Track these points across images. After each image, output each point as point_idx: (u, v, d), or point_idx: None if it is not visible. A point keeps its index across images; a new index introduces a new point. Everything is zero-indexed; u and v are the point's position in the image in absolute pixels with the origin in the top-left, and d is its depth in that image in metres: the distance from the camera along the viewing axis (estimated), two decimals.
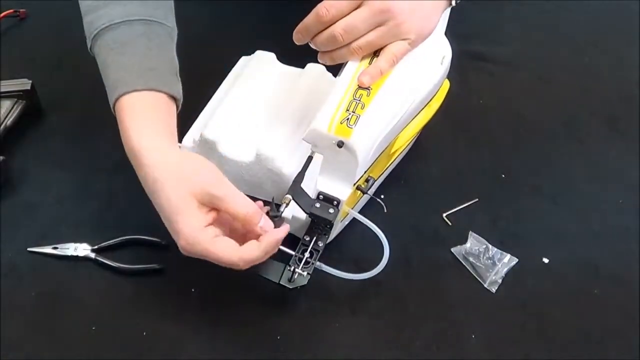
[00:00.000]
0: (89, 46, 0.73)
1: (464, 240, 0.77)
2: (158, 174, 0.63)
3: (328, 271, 0.68)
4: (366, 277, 0.68)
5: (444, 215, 0.79)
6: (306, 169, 0.68)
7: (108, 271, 0.73)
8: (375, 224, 0.68)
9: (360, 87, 0.67)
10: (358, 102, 0.66)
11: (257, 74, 0.83)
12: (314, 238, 0.69)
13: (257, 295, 0.71)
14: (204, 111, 0.81)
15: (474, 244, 0.76)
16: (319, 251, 0.68)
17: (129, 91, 0.66)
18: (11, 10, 1.03)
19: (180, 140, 0.79)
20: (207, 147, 0.77)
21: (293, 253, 0.68)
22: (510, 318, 0.71)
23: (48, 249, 0.74)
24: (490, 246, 0.76)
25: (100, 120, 0.89)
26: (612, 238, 0.78)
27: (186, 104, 0.82)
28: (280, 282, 0.67)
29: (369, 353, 0.68)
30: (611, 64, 1.01)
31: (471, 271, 0.74)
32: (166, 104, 0.68)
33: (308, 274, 0.67)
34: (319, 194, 0.67)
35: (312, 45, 0.69)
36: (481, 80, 0.98)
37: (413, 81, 0.70)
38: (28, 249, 0.74)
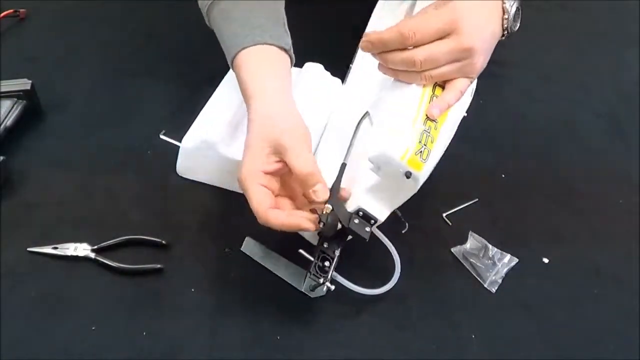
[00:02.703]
0: (207, 22, 0.80)
1: (464, 240, 0.77)
2: (253, 117, 0.69)
3: (342, 282, 0.68)
4: (377, 293, 0.69)
5: (444, 215, 0.79)
6: (341, 178, 0.68)
7: (108, 271, 0.73)
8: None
9: (428, 119, 0.67)
10: (428, 134, 0.66)
11: None
12: (334, 247, 0.68)
13: (257, 295, 0.71)
14: (203, 111, 0.81)
15: (474, 244, 0.76)
16: (334, 259, 0.68)
17: (238, 51, 0.72)
18: (11, 10, 1.03)
19: (180, 140, 0.79)
20: (207, 148, 0.77)
21: (312, 259, 0.67)
22: (510, 318, 0.71)
23: (48, 249, 0.74)
24: (490, 246, 0.76)
25: (100, 120, 0.90)
26: (612, 238, 0.78)
27: (187, 103, 0.82)
28: (303, 290, 0.67)
29: (369, 353, 0.68)
30: (611, 64, 1.01)
31: (471, 271, 0.74)
32: (275, 55, 0.73)
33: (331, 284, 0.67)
34: (359, 210, 0.67)
35: (377, 58, 0.69)
36: (481, 81, 0.97)
37: (458, 112, 0.71)
38: (28, 249, 0.74)
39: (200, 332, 0.68)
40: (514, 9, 0.71)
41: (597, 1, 1.13)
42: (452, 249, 0.76)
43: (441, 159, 0.74)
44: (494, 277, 0.73)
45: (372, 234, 0.68)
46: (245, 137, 0.69)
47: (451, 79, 0.69)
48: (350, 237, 0.68)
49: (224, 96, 0.82)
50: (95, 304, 0.70)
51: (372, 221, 0.67)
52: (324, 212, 0.65)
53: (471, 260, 0.75)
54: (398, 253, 0.70)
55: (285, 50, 0.74)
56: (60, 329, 0.68)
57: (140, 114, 0.90)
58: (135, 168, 0.83)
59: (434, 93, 0.69)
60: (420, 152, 0.65)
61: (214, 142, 0.76)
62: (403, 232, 0.72)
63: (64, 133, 0.88)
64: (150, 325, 0.69)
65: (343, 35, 0.94)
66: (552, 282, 0.74)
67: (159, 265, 0.73)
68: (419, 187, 0.67)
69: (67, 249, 0.74)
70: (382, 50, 0.68)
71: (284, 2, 0.78)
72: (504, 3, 0.71)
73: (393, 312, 0.71)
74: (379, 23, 0.91)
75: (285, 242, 0.70)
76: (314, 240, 0.69)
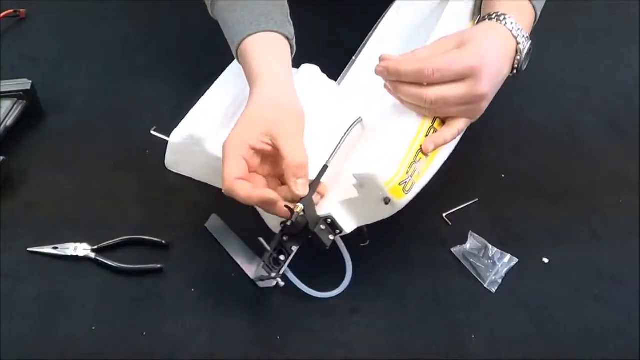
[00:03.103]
0: (210, 12, 0.80)
1: (464, 240, 0.77)
2: (256, 96, 0.69)
3: (293, 281, 0.69)
4: (326, 297, 0.69)
5: (444, 215, 0.79)
6: (319, 180, 0.68)
7: (108, 271, 0.73)
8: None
9: (421, 150, 0.67)
10: (417, 167, 0.67)
11: None
12: (292, 243, 0.67)
13: (257, 295, 0.71)
14: (195, 107, 0.81)
15: (474, 244, 0.76)
16: (290, 255, 0.68)
17: (244, 38, 0.73)
18: (11, 10, 1.03)
19: (168, 135, 0.80)
20: (194, 144, 0.78)
21: (269, 249, 0.66)
22: (510, 318, 0.71)
23: (48, 249, 0.74)
24: (490, 246, 0.76)
25: (100, 120, 0.90)
26: (612, 238, 0.78)
27: (186, 103, 0.82)
28: (252, 278, 0.67)
29: (369, 353, 0.68)
30: (611, 64, 1.01)
31: (471, 271, 0.74)
32: (280, 42, 0.74)
33: (282, 280, 0.67)
34: (328, 217, 0.67)
35: (387, 83, 0.68)
36: None
37: (449, 148, 0.72)
38: (28, 249, 0.74)
39: (200, 332, 0.68)
40: (526, 50, 0.71)
41: (597, 1, 1.13)
42: (452, 249, 0.76)
43: (458, 139, 0.74)
44: (494, 277, 0.73)
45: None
46: (242, 112, 0.69)
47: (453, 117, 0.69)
48: (310, 236, 0.68)
49: (217, 94, 0.82)
50: (95, 304, 0.70)
51: (338, 231, 0.67)
52: (296, 212, 0.65)
53: (471, 260, 0.75)
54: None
55: (288, 39, 0.75)
56: (60, 329, 0.68)
57: (140, 114, 0.90)
58: (135, 168, 0.83)
59: (432, 125, 0.69)
60: (405, 182, 0.65)
61: (200, 138, 0.77)
62: (362, 245, 0.72)
63: (64, 133, 0.88)
64: (150, 325, 0.69)
65: (340, 36, 0.94)
66: (552, 282, 0.74)
67: (159, 265, 0.73)
68: (393, 213, 0.67)
69: (67, 249, 0.74)
70: (396, 79, 0.67)
71: None
72: (518, 44, 0.71)
73: (393, 312, 0.71)
74: (390, 26, 0.90)
75: (254, 230, 0.70)
76: (276, 228, 0.69)
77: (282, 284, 0.66)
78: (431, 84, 0.66)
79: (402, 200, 0.66)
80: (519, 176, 0.85)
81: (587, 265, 0.76)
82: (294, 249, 0.67)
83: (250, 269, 0.68)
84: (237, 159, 0.65)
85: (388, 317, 0.71)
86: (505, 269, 0.74)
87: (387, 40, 0.87)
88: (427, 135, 0.68)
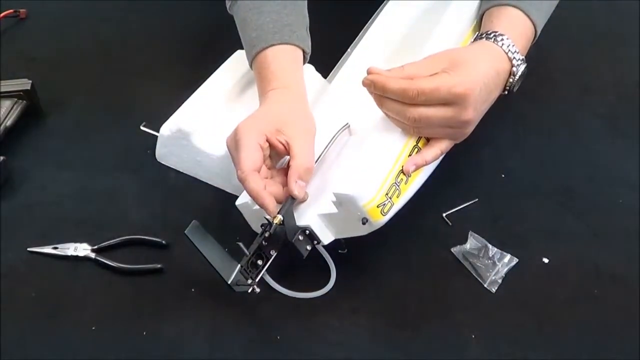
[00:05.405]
0: (227, 6, 0.80)
1: (464, 240, 0.77)
2: (274, 98, 0.71)
3: (270, 284, 0.69)
4: (307, 297, 0.69)
5: (444, 215, 0.79)
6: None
7: (108, 271, 0.73)
8: None
9: (402, 171, 0.67)
10: (397, 188, 0.67)
11: (246, 69, 0.82)
12: (271, 247, 0.67)
13: (257, 295, 0.71)
14: (186, 102, 0.81)
15: (473, 244, 0.76)
16: (269, 259, 0.67)
17: (266, 47, 0.73)
18: (11, 10, 1.03)
19: (157, 130, 0.81)
20: (182, 137, 0.78)
21: (247, 253, 0.67)
22: (510, 318, 0.71)
23: (48, 249, 0.74)
24: (490, 246, 0.76)
25: (100, 120, 0.90)
26: (612, 238, 0.78)
27: (184, 102, 0.82)
28: (229, 283, 0.66)
29: (369, 353, 0.68)
30: (611, 64, 1.01)
31: (471, 271, 0.74)
32: (298, 56, 0.76)
33: (257, 285, 0.67)
34: (307, 228, 0.67)
35: (374, 97, 0.67)
36: None
37: (430, 168, 0.72)
38: (28, 249, 0.74)
39: (200, 332, 0.68)
40: (520, 73, 0.71)
41: (597, 1, 1.13)
42: (452, 249, 0.76)
43: (441, 158, 0.74)
44: (494, 277, 0.73)
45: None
46: (256, 109, 0.70)
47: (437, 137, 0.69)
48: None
49: (209, 91, 0.83)
50: (95, 304, 0.70)
51: (315, 242, 0.67)
52: (275, 222, 0.65)
53: (471, 260, 0.75)
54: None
55: (305, 53, 0.76)
56: (60, 329, 0.68)
57: (140, 114, 0.89)
58: (135, 168, 0.83)
59: (417, 144, 0.69)
60: (384, 204, 0.65)
61: (188, 132, 0.78)
62: (340, 252, 0.72)
63: (64, 133, 0.88)
64: (150, 325, 0.69)
65: (336, 36, 0.93)
66: (552, 282, 0.74)
67: (159, 265, 0.73)
68: (370, 231, 0.67)
69: (67, 249, 0.74)
70: (381, 94, 0.66)
71: (306, 2, 0.79)
72: (512, 66, 0.70)
73: (393, 312, 0.71)
74: (384, 23, 0.90)
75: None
76: (257, 229, 0.69)
77: (257, 290, 0.67)
78: (415, 105, 0.65)
79: (380, 221, 0.66)
80: (519, 176, 0.85)
81: (587, 265, 0.76)
82: (273, 253, 0.67)
83: (228, 274, 0.68)
84: (255, 147, 0.65)
85: (388, 317, 0.71)
86: (505, 269, 0.74)
87: (379, 38, 0.86)
88: (410, 155, 0.68)
